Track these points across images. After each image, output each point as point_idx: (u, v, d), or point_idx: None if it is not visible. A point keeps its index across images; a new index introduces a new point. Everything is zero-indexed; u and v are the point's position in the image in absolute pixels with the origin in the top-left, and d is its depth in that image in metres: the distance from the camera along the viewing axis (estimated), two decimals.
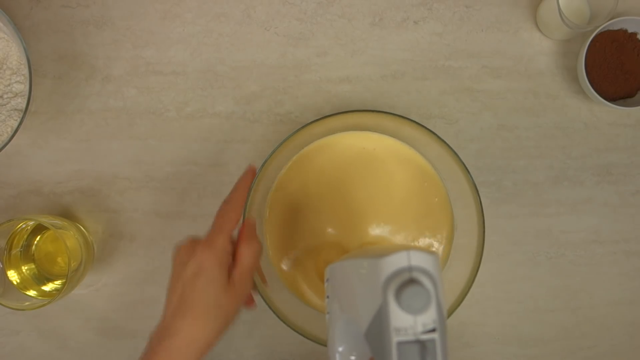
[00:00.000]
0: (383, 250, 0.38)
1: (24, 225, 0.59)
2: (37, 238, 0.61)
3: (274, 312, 0.54)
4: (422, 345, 0.35)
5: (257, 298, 0.53)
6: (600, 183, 0.64)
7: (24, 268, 0.59)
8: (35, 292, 0.58)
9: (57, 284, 0.60)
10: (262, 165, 0.53)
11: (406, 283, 0.35)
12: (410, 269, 0.36)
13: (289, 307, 0.56)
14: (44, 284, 0.60)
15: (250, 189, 0.51)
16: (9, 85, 0.58)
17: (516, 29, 0.63)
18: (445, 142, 0.54)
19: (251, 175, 0.50)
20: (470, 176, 0.54)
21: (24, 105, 0.56)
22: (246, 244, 0.46)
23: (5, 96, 0.58)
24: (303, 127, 0.54)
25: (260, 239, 0.50)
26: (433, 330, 0.35)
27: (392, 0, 0.63)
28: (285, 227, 0.59)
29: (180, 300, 0.44)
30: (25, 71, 0.56)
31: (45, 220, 0.55)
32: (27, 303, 0.55)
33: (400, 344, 0.35)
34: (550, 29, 0.62)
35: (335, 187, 0.58)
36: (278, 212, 0.59)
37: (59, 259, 0.61)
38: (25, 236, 0.60)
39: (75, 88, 0.62)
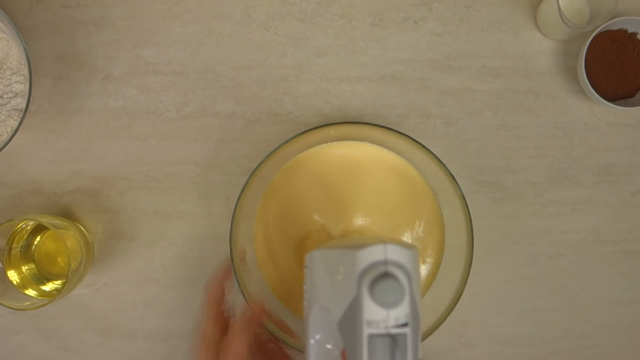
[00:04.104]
0: (360, 242, 0.38)
1: (24, 225, 0.59)
2: (37, 238, 0.61)
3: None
4: (393, 339, 0.35)
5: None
6: (600, 183, 0.64)
7: (24, 268, 0.59)
8: (35, 292, 0.58)
9: (57, 284, 0.60)
10: (253, 172, 0.54)
11: (381, 276, 0.35)
12: (385, 262, 0.36)
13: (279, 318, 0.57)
14: (44, 284, 0.60)
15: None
16: (9, 85, 0.58)
17: (516, 29, 0.63)
18: (428, 149, 0.55)
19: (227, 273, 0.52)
20: (454, 178, 0.55)
21: (24, 105, 0.56)
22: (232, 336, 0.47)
23: (5, 96, 0.58)
24: (293, 137, 0.54)
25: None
26: (405, 325, 0.35)
27: (392, 0, 0.63)
28: (275, 232, 0.59)
29: None
30: (25, 71, 0.56)
31: (45, 220, 0.55)
32: (27, 303, 0.55)
33: (371, 336, 0.35)
34: (550, 29, 0.62)
35: (327, 192, 0.59)
36: (268, 217, 0.59)
37: (59, 259, 0.61)
38: (25, 236, 0.60)
39: (75, 88, 0.62)
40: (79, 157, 0.62)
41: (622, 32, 0.61)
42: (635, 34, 0.61)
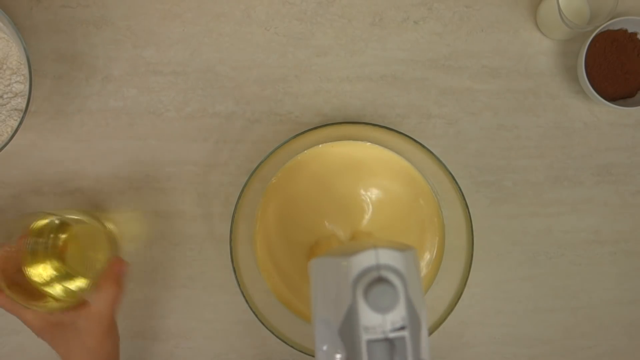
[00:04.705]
0: (354, 248, 0.39)
1: (48, 221, 0.57)
2: (62, 235, 0.59)
3: (263, 324, 0.55)
4: (391, 344, 0.35)
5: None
6: (600, 183, 0.64)
7: (48, 265, 0.58)
8: (60, 289, 0.57)
9: (82, 282, 0.58)
10: (253, 172, 0.54)
11: (374, 282, 0.35)
12: (378, 267, 0.36)
13: (279, 319, 0.57)
14: (68, 282, 0.58)
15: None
16: (9, 85, 0.58)
17: (516, 29, 0.63)
18: (428, 149, 0.55)
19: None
20: (454, 178, 0.55)
21: (24, 105, 0.56)
22: None
23: (5, 96, 0.58)
24: (293, 137, 0.54)
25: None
26: (402, 328, 0.35)
27: (392, 0, 0.63)
28: (275, 232, 0.59)
29: None
30: (25, 71, 0.56)
31: (71, 217, 0.54)
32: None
33: (369, 342, 0.35)
34: (550, 29, 0.62)
35: (327, 192, 0.59)
36: (268, 217, 0.59)
37: (88, 255, 0.59)
38: (50, 232, 0.58)
39: (75, 88, 0.62)
40: (79, 157, 0.62)
41: (622, 32, 0.61)
42: (635, 34, 0.61)
